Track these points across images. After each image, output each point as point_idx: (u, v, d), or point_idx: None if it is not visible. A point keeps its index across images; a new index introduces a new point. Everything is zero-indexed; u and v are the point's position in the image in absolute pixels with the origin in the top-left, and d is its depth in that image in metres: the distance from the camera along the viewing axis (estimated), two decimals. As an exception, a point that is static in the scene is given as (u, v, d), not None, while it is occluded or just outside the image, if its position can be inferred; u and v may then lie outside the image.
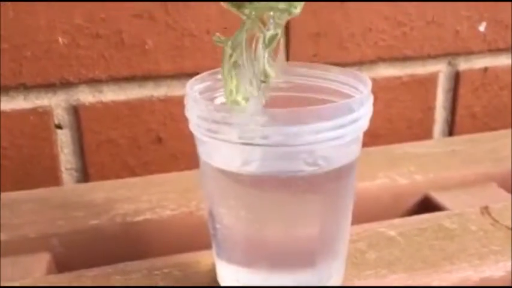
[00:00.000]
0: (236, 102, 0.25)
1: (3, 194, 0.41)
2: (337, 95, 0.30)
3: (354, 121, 0.25)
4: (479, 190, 0.43)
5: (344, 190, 0.28)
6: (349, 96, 0.29)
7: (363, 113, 0.25)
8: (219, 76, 0.29)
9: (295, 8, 0.24)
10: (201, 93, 0.29)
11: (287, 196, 0.27)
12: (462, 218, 0.36)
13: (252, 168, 0.26)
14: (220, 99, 0.30)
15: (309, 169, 0.26)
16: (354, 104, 0.25)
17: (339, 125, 0.24)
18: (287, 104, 0.29)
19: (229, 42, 0.24)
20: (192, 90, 0.28)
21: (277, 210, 0.27)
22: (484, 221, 0.36)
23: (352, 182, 0.29)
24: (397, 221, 0.37)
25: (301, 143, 0.23)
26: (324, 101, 0.29)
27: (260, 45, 0.25)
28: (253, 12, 0.24)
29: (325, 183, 0.27)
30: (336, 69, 0.30)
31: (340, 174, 0.28)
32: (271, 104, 0.28)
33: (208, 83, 0.29)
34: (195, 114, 0.25)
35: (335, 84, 0.30)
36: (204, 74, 0.29)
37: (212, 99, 0.30)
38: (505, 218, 0.36)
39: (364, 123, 0.26)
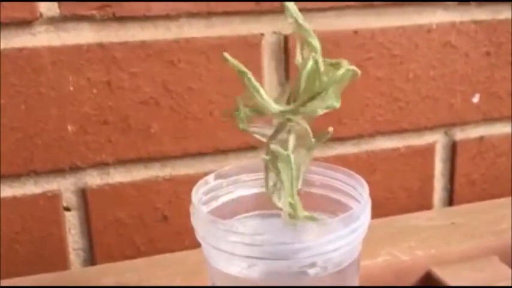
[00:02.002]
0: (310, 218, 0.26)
1: (16, 280, 0.42)
2: (334, 191, 0.31)
3: (356, 229, 0.26)
4: (481, 265, 0.43)
5: (347, 283, 0.29)
6: (344, 192, 0.30)
7: (364, 220, 0.27)
8: (223, 176, 0.30)
9: (338, 102, 0.25)
10: (206, 193, 0.30)
11: None
12: (464, 300, 0.37)
13: (254, 273, 0.27)
14: (225, 198, 0.31)
15: (312, 272, 0.27)
16: (357, 213, 0.26)
17: (342, 236, 0.25)
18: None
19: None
20: (197, 195, 0.29)
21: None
22: (486, 303, 0.37)
23: (355, 273, 0.30)
24: (399, 305, 0.37)
25: (304, 257, 0.24)
26: (319, 196, 0.31)
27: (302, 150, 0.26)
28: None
29: (328, 280, 0.28)
30: (331, 167, 0.31)
31: (343, 271, 0.28)
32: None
33: (213, 184, 0.31)
34: (200, 227, 0.26)
35: (331, 181, 0.31)
36: (209, 176, 0.31)
37: (217, 199, 0.31)
38: (506, 299, 0.37)
39: (365, 229, 0.27)
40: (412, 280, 0.43)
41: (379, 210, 0.52)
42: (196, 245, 0.31)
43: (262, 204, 0.30)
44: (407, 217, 0.50)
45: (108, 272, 0.43)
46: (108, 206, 0.47)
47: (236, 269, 0.27)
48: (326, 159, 0.51)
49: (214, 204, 0.31)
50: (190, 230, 0.50)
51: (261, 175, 0.32)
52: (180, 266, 0.43)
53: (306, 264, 0.25)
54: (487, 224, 0.48)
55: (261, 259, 0.25)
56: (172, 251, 0.47)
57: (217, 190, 0.31)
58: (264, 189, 0.28)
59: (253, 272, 0.27)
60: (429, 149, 0.54)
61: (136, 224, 0.48)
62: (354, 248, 0.27)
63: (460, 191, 0.55)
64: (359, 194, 0.29)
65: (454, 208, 0.54)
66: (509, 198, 0.53)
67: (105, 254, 0.48)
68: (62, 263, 0.47)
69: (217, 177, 0.31)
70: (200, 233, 0.27)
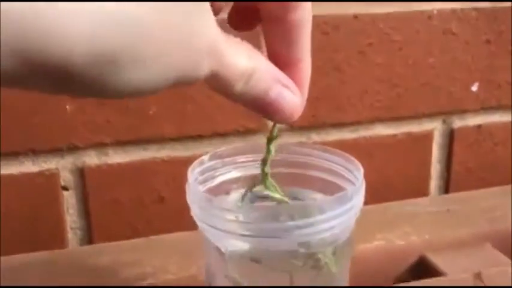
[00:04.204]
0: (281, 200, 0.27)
1: (12, 257, 0.42)
2: (330, 173, 0.31)
3: (349, 210, 0.26)
4: (474, 252, 0.44)
5: (338, 265, 0.30)
6: (339, 174, 0.30)
7: (358, 202, 0.27)
8: (219, 157, 0.31)
9: None
10: (202, 173, 0.31)
11: (283, 271, 0.28)
12: (455, 285, 0.37)
13: (247, 248, 0.27)
14: (220, 178, 0.31)
15: (303, 251, 0.28)
16: (350, 193, 0.27)
17: (334, 216, 0.25)
18: (283, 180, 0.31)
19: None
20: (193, 174, 0.29)
21: (273, 283, 0.28)
22: (477, 288, 0.37)
23: (347, 256, 0.30)
24: (392, 289, 0.38)
25: (296, 235, 0.25)
26: (316, 178, 0.31)
27: None
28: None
29: (321, 260, 0.28)
30: (329, 150, 0.31)
31: (334, 251, 0.29)
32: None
33: (208, 164, 0.31)
34: (195, 205, 0.27)
35: (327, 164, 0.31)
36: (205, 156, 0.31)
37: (213, 179, 0.31)
38: (497, 284, 0.37)
39: (358, 210, 0.27)
40: (405, 264, 0.44)
41: (376, 196, 0.52)
42: (193, 226, 0.31)
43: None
44: (404, 203, 0.50)
45: (104, 251, 0.43)
46: (106, 186, 0.47)
47: (231, 246, 0.27)
48: (324, 145, 0.51)
49: (210, 184, 0.31)
50: (187, 211, 0.51)
51: (256, 157, 0.32)
52: (176, 247, 0.43)
53: (299, 243, 0.25)
54: (482, 212, 0.48)
55: (254, 237, 0.25)
56: (169, 231, 0.47)
57: (213, 170, 0.31)
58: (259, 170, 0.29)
59: (247, 249, 0.27)
60: (427, 137, 0.54)
61: (133, 204, 0.48)
62: (346, 229, 0.28)
63: (457, 178, 0.55)
64: (354, 177, 0.29)
65: (450, 195, 0.54)
66: (505, 187, 0.53)
67: (103, 233, 0.48)
68: (59, 242, 0.47)
69: (213, 157, 0.31)
70: (195, 211, 0.27)
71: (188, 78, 0.21)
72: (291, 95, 0.24)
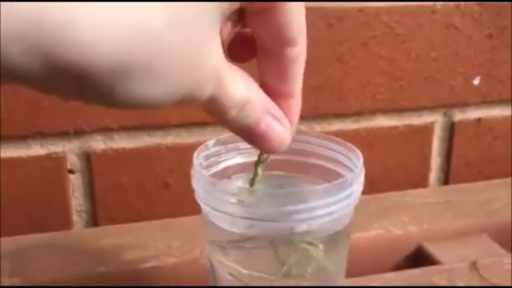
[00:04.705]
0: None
1: (18, 238, 0.44)
2: (330, 161, 0.32)
3: (348, 196, 0.27)
4: (470, 242, 0.45)
5: (337, 252, 0.31)
6: (339, 162, 0.31)
7: (357, 188, 0.28)
8: (223, 143, 0.32)
9: None
10: (207, 158, 0.31)
11: (283, 254, 0.29)
12: (451, 273, 0.38)
13: (247, 231, 0.28)
14: (224, 164, 0.32)
15: (304, 235, 0.28)
16: (349, 180, 0.27)
17: (334, 202, 0.26)
18: (283, 167, 0.32)
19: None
20: (198, 159, 0.30)
21: (273, 265, 0.29)
22: (472, 277, 0.38)
23: (346, 243, 0.31)
24: (389, 275, 0.39)
25: (296, 220, 0.25)
26: (316, 166, 0.32)
27: None
28: None
29: (317, 246, 0.29)
30: (329, 138, 0.32)
31: (333, 238, 0.30)
32: (271, 166, 0.30)
33: (213, 150, 0.32)
34: (200, 188, 0.28)
35: (327, 151, 0.32)
36: (209, 142, 0.32)
37: (217, 164, 0.32)
38: (491, 274, 0.38)
39: (356, 197, 0.28)
40: (403, 254, 0.45)
41: (376, 186, 0.53)
42: (196, 212, 0.32)
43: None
44: (403, 194, 0.51)
45: (108, 233, 0.44)
46: (111, 170, 0.48)
47: (233, 227, 0.28)
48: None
49: (215, 169, 0.32)
50: (190, 198, 0.52)
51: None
52: (179, 231, 0.44)
53: (299, 227, 0.26)
54: (480, 203, 0.49)
55: (255, 220, 0.26)
56: (172, 217, 0.48)
57: (217, 156, 0.32)
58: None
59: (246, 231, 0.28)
60: (428, 129, 0.55)
61: (138, 189, 0.49)
62: (345, 216, 0.29)
63: (456, 171, 0.56)
64: (354, 165, 0.30)
65: (449, 187, 0.55)
66: (504, 180, 0.54)
67: (107, 217, 0.49)
68: (65, 224, 0.48)
69: (217, 143, 0.32)
70: (199, 194, 0.28)
71: (193, 98, 0.21)
72: (280, 128, 0.25)
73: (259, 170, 0.28)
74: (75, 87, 0.19)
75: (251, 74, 0.24)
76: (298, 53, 0.24)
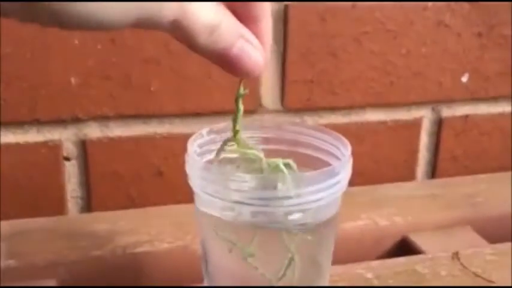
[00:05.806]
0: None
1: (14, 222, 0.45)
2: (319, 151, 0.33)
3: (335, 184, 0.28)
4: (454, 234, 0.46)
5: (325, 240, 0.32)
6: (327, 151, 0.32)
7: (344, 176, 0.29)
8: (216, 132, 0.33)
9: None
10: (200, 146, 0.33)
11: (272, 240, 0.30)
12: (434, 262, 0.40)
13: (237, 216, 0.29)
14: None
15: (293, 222, 0.30)
16: (337, 168, 0.29)
17: (322, 189, 0.27)
18: (273, 157, 0.33)
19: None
20: (193, 146, 0.31)
21: (263, 251, 0.31)
22: (454, 266, 0.39)
23: (333, 231, 0.32)
24: (374, 263, 0.40)
25: (285, 205, 0.27)
26: (305, 155, 0.33)
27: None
28: None
29: (306, 234, 0.31)
30: (318, 128, 0.33)
31: (320, 226, 0.31)
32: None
33: (206, 138, 0.33)
34: (194, 173, 0.29)
35: (316, 141, 0.33)
36: (203, 130, 0.33)
37: (211, 152, 0.33)
38: (473, 263, 0.40)
39: (344, 185, 0.29)
40: (388, 244, 0.46)
41: (364, 179, 0.55)
42: (189, 200, 0.33)
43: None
44: (390, 186, 0.53)
45: (102, 219, 0.45)
46: (107, 158, 0.49)
47: (225, 212, 0.29)
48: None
49: (208, 157, 0.33)
50: (184, 186, 0.53)
51: (254, 133, 0.34)
52: (171, 218, 0.45)
53: (288, 212, 0.28)
54: (465, 197, 0.50)
55: (246, 204, 0.27)
56: (165, 205, 0.49)
57: (211, 144, 0.33)
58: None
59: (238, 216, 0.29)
60: (416, 124, 0.56)
61: (132, 177, 0.50)
62: (332, 203, 0.30)
63: (443, 165, 0.58)
64: (342, 154, 0.31)
65: (436, 180, 0.56)
66: (489, 175, 0.55)
67: (102, 203, 0.50)
68: (60, 210, 0.49)
69: (211, 132, 0.33)
70: (193, 180, 0.29)
71: (150, 20, 0.21)
72: (253, 50, 0.25)
73: (241, 105, 0.28)
74: (24, 7, 0.19)
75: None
76: None
